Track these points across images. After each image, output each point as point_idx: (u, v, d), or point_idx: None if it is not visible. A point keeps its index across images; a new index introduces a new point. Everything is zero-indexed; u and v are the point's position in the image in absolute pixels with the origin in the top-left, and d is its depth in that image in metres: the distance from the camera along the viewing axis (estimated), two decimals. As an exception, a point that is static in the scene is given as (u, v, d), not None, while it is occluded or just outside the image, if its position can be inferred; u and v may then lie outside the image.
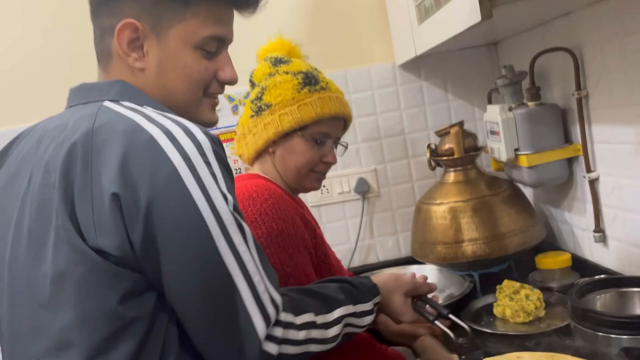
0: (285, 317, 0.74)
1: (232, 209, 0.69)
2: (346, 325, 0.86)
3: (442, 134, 1.49)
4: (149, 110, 0.72)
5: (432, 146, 1.52)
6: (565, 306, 1.21)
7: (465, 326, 1.03)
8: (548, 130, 1.32)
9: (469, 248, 1.37)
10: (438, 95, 1.69)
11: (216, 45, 0.80)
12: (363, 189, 1.67)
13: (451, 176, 1.48)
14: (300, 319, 0.77)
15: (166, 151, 0.66)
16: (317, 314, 0.80)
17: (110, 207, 0.65)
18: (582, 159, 1.29)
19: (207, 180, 0.67)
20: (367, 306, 0.91)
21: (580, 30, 1.22)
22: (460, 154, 1.43)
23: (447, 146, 1.48)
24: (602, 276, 1.12)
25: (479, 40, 1.62)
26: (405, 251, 1.68)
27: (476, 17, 0.92)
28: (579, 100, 1.25)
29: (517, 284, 1.27)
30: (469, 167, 1.47)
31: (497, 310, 1.26)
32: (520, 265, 1.44)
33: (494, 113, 1.36)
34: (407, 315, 1.01)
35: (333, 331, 0.82)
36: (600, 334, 0.97)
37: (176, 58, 0.77)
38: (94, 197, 0.66)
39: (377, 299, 0.94)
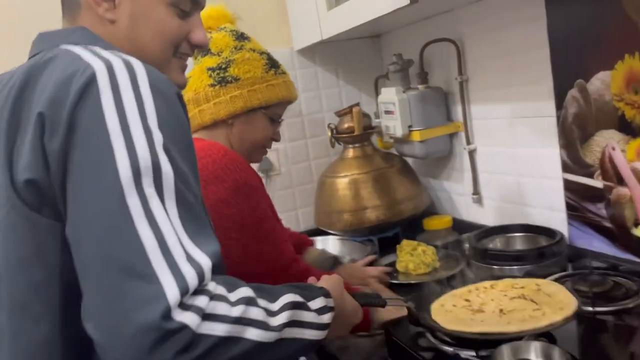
0: (216, 288, 0.60)
1: (156, 145, 0.61)
2: (297, 322, 0.69)
3: (343, 114, 1.64)
4: (99, 49, 0.68)
5: (332, 126, 1.66)
6: (453, 257, 1.43)
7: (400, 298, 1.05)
8: (435, 110, 1.54)
9: (372, 214, 1.54)
10: (331, 81, 1.83)
11: (190, 6, 0.80)
12: (266, 167, 1.74)
13: (350, 152, 1.64)
14: (234, 295, 0.62)
15: (98, 77, 0.62)
16: (258, 296, 0.65)
17: (33, 126, 0.62)
18: (461, 135, 1.54)
19: (130, 110, 0.61)
20: (320, 302, 0.76)
21: (462, 24, 1.45)
22: (360, 131, 1.59)
23: (346, 125, 1.63)
24: (491, 226, 1.36)
25: (365, 32, 1.80)
26: (305, 225, 1.79)
27: (404, 0, 1.07)
28: (461, 84, 1.49)
29: (415, 242, 1.46)
30: (366, 144, 1.64)
31: (400, 266, 1.44)
32: (408, 230, 1.64)
33: (390, 94, 1.54)
34: (360, 311, 0.91)
35: (278, 319, 0.66)
36: (496, 267, 1.19)
37: (150, 12, 0.76)
38: (24, 125, 0.64)
39: (330, 300, 0.78)
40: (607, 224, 1.15)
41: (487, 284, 1.04)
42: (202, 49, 0.84)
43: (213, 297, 0.59)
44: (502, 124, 1.40)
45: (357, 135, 1.60)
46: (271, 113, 1.16)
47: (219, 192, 0.97)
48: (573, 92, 1.16)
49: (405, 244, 1.47)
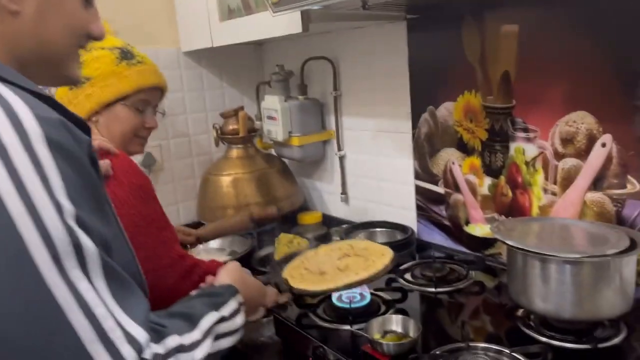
0: (149, 351, 0.60)
1: (70, 221, 0.54)
2: (217, 337, 0.75)
3: (228, 116, 1.76)
4: None
5: (217, 126, 1.78)
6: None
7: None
8: (312, 119, 1.74)
9: (254, 210, 1.69)
10: (215, 83, 1.94)
11: None
12: (149, 163, 1.80)
13: (234, 152, 1.77)
14: (163, 347, 0.63)
15: None
16: (181, 334, 0.67)
17: None
18: (333, 142, 1.77)
19: (31, 184, 0.53)
20: (232, 305, 0.82)
21: (338, 45, 1.67)
22: (244, 133, 1.73)
23: (231, 127, 1.76)
24: (357, 222, 1.60)
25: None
26: (185, 219, 1.89)
27: (297, 28, 1.24)
28: (335, 98, 1.70)
29: (291, 235, 1.65)
30: (249, 145, 1.79)
31: (278, 257, 1.62)
32: (284, 224, 1.83)
33: (273, 102, 1.71)
34: (269, 292, 1.02)
35: (203, 348, 0.69)
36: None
37: (62, 2, 0.68)
38: None
39: (239, 297, 0.84)
40: (446, 222, 1.44)
41: (311, 252, 1.18)
42: (99, 40, 0.76)
43: None
44: (367, 135, 1.64)
45: (241, 137, 1.74)
46: (133, 102, 1.17)
47: (116, 191, 1.02)
48: (425, 116, 1.43)
49: (283, 237, 1.65)
